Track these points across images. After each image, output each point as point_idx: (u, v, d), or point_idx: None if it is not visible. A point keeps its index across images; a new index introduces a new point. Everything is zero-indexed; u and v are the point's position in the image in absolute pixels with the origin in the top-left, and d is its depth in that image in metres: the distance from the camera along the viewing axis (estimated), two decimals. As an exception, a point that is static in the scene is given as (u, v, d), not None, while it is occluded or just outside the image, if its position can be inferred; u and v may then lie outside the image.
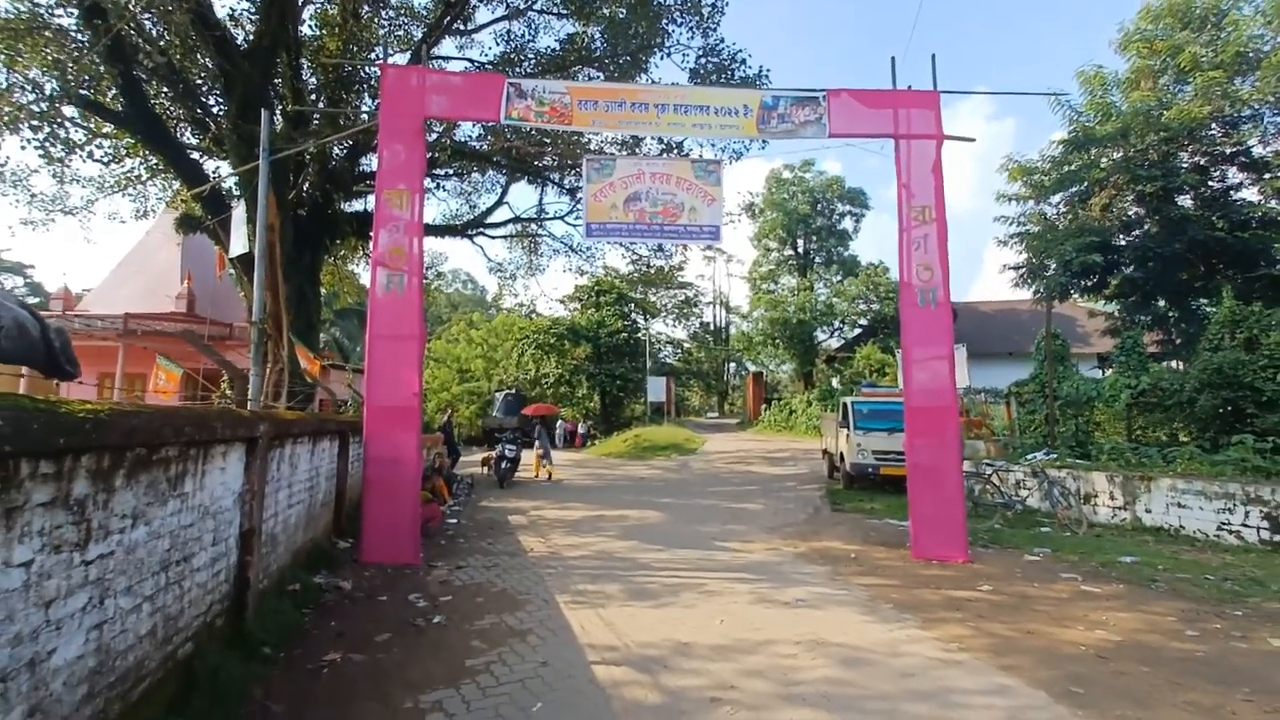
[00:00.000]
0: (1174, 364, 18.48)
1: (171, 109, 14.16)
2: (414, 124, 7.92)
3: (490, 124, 13.89)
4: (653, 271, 26.44)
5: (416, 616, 5.17)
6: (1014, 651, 4.59)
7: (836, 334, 38.36)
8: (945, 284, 8.13)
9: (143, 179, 15.59)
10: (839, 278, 38.64)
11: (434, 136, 14.52)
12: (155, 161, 14.87)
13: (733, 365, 57.26)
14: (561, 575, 6.67)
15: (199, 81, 13.80)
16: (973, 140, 8.86)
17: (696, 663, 4.32)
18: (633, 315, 39.24)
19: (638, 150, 14.61)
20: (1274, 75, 14.86)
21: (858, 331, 35.53)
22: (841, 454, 13.92)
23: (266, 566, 4.92)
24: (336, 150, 15.03)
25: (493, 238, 20.92)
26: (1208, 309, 16.40)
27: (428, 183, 19.29)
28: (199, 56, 12.95)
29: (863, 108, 8.46)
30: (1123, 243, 18.58)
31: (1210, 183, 17.61)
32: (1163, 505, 9.32)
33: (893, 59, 8.66)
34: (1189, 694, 3.90)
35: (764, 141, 15.56)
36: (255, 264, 7.26)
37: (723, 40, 14.43)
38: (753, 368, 47.30)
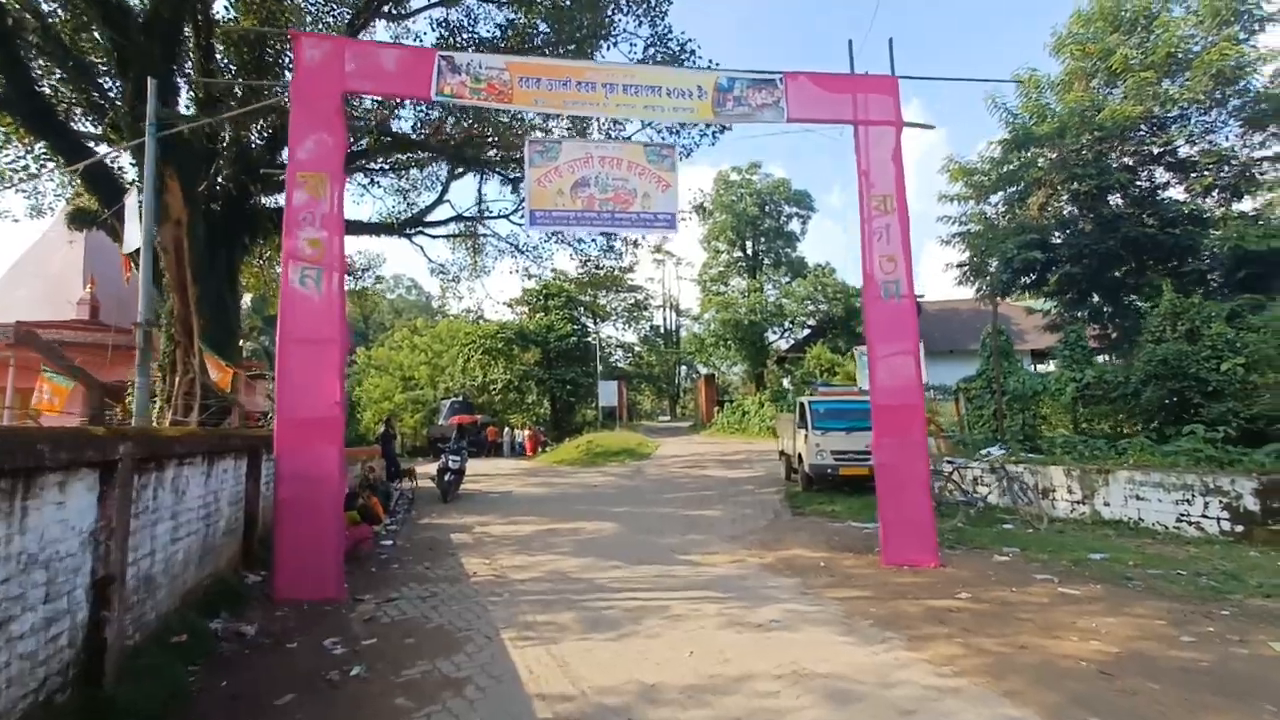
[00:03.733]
0: (1109, 358, 19.02)
1: (63, 91, 12.69)
2: (332, 100, 7.03)
3: (424, 105, 13.01)
4: (602, 274, 25.84)
5: (331, 668, 4.34)
6: (1012, 671, 4.16)
7: (786, 335, 38.56)
8: (909, 275, 7.80)
9: (30, 170, 13.94)
10: (788, 279, 38.85)
11: (363, 124, 13.49)
12: (44, 151, 13.33)
13: (684, 368, 57.06)
14: (508, 604, 5.93)
15: (94, 60, 12.39)
16: (932, 127, 8.61)
17: (666, 711, 3.70)
18: (582, 319, 38.44)
19: (587, 135, 13.95)
20: (1204, 74, 15.32)
21: (807, 332, 35.78)
22: (800, 455, 13.58)
23: (139, 617, 4.03)
24: (255, 140, 13.82)
25: (434, 237, 19.86)
26: (1139, 305, 16.86)
27: (361, 179, 18.15)
28: (92, 31, 11.60)
29: (821, 92, 8.06)
30: (1059, 240, 19.01)
31: (1139, 182, 18.20)
32: (1121, 498, 9.26)
33: (849, 42, 8.31)
34: (1209, 715, 3.52)
35: (716, 131, 15.07)
36: (141, 255, 6.25)
37: (670, 29, 13.95)
38: (704, 370, 47.14)
